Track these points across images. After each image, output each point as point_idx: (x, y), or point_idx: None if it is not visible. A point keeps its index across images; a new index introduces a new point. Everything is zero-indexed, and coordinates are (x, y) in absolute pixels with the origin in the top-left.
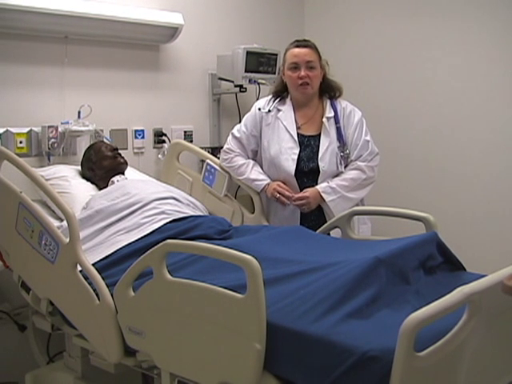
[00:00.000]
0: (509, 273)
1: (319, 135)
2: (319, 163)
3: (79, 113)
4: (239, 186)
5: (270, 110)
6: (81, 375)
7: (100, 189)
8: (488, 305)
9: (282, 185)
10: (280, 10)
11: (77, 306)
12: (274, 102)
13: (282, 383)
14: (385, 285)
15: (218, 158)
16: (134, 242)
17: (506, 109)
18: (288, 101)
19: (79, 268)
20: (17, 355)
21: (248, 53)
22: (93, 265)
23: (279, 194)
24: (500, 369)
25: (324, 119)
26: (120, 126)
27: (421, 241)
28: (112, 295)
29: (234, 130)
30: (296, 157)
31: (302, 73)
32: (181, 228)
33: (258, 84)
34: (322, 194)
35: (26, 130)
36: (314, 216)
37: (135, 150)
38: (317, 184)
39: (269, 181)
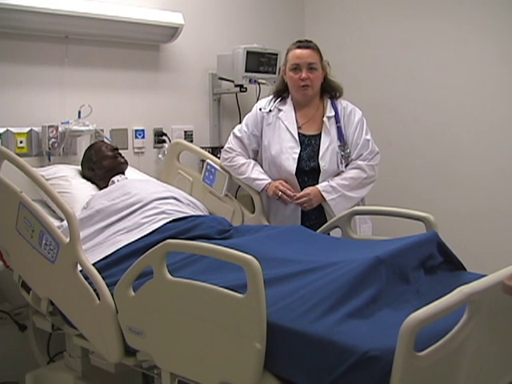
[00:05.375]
0: (509, 273)
1: (320, 134)
2: (320, 162)
3: (79, 113)
4: (239, 186)
5: (270, 110)
6: (81, 375)
7: (100, 188)
8: (488, 305)
9: (284, 183)
10: (280, 9)
11: (77, 305)
12: (274, 101)
13: (282, 383)
14: (385, 284)
15: (219, 158)
16: (134, 241)
17: (507, 108)
18: (289, 101)
19: (79, 268)
20: (17, 355)
21: (248, 52)
22: (93, 265)
23: (281, 192)
24: (500, 369)
25: (325, 119)
26: (120, 125)
27: (421, 241)
28: (112, 295)
29: (235, 130)
30: (297, 156)
31: (304, 74)
32: (181, 228)
33: (259, 84)
34: (323, 193)
35: (26, 129)
36: (315, 215)
37: (135, 150)
38: (318, 183)
39: (270, 180)
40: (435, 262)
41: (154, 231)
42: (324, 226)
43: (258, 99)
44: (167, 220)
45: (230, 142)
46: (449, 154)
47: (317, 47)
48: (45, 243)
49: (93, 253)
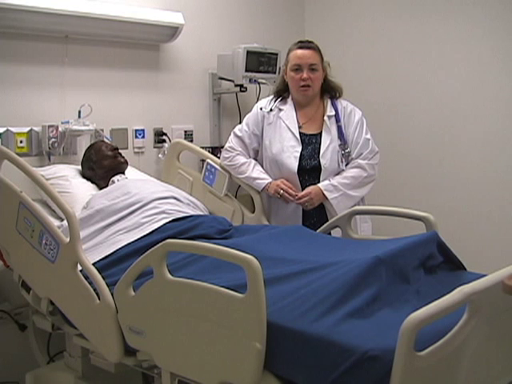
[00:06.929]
0: (509, 273)
1: (320, 133)
2: (321, 161)
3: (79, 112)
4: (239, 186)
5: (271, 110)
6: (81, 375)
7: (100, 188)
8: (488, 305)
9: (285, 182)
10: (280, 9)
11: (77, 305)
12: (275, 101)
13: (282, 383)
14: (385, 284)
15: (219, 158)
16: (134, 241)
17: (507, 108)
18: (289, 100)
19: (79, 267)
20: (17, 355)
21: (248, 52)
22: (93, 264)
23: (283, 190)
24: (500, 369)
25: (325, 118)
26: (120, 125)
27: (421, 240)
28: (112, 295)
29: (236, 129)
30: (298, 154)
31: (305, 75)
32: (181, 227)
33: (259, 83)
34: (325, 192)
35: (26, 129)
36: (316, 214)
37: (135, 150)
38: (319, 182)
39: (270, 180)
40: (435, 262)
41: (154, 231)
42: (324, 225)
43: (258, 99)
44: (167, 220)
45: (231, 142)
46: (449, 154)
47: (318, 48)
48: (45, 243)
49: (93, 252)
